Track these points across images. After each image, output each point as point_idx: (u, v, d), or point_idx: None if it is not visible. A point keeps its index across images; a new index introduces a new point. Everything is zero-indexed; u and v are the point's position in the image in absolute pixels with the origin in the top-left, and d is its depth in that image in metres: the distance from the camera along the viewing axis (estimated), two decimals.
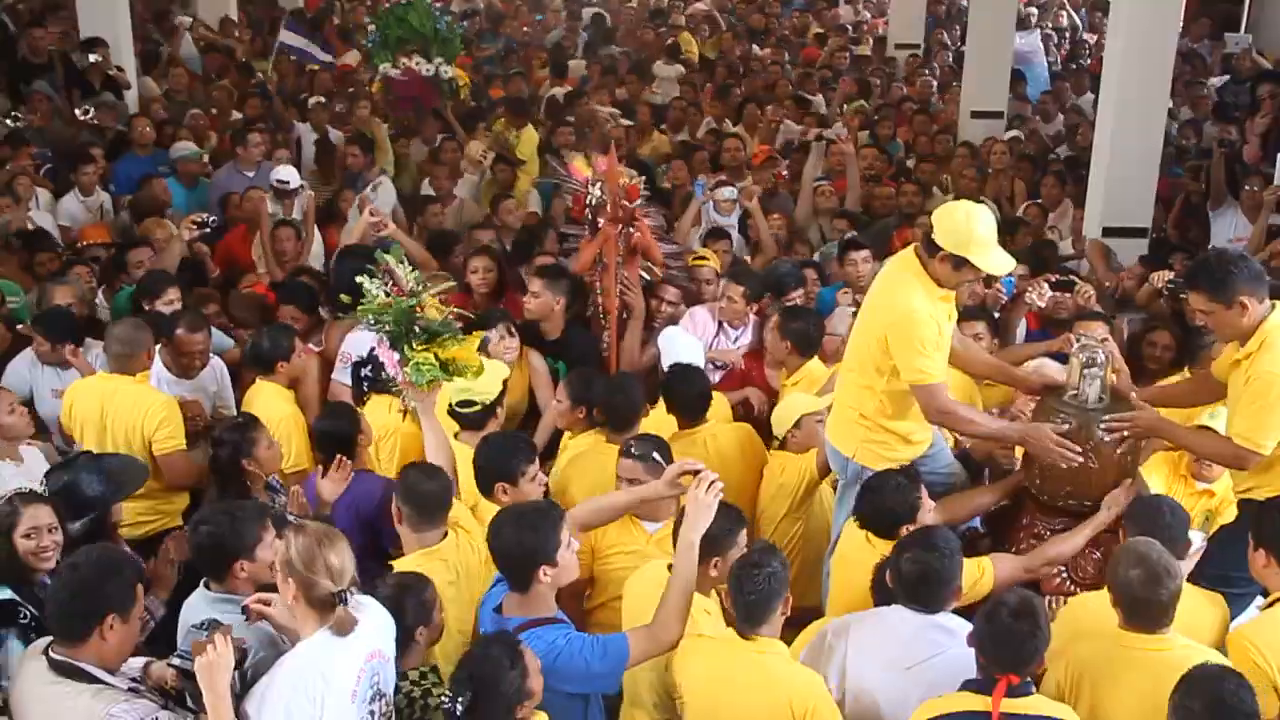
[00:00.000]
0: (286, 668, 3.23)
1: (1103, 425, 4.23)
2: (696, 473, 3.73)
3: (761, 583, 3.50)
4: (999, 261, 4.32)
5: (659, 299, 6.28)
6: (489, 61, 13.48)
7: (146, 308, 5.94)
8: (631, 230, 5.99)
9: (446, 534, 4.10)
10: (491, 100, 11.21)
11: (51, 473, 4.38)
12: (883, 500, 4.20)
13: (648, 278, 6.22)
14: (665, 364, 5.55)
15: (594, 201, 5.98)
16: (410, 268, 4.36)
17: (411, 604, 3.61)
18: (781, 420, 5.15)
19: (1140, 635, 3.55)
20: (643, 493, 4.00)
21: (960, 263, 4.24)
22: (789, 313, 5.77)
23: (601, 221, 5.96)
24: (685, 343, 5.67)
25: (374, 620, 3.36)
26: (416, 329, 4.22)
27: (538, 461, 4.41)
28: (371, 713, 3.29)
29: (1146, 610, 3.54)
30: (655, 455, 4.30)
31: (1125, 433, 4.25)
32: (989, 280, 5.82)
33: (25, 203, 7.62)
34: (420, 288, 4.27)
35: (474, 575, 4.06)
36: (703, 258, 6.70)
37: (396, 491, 4.15)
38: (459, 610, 3.96)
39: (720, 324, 6.14)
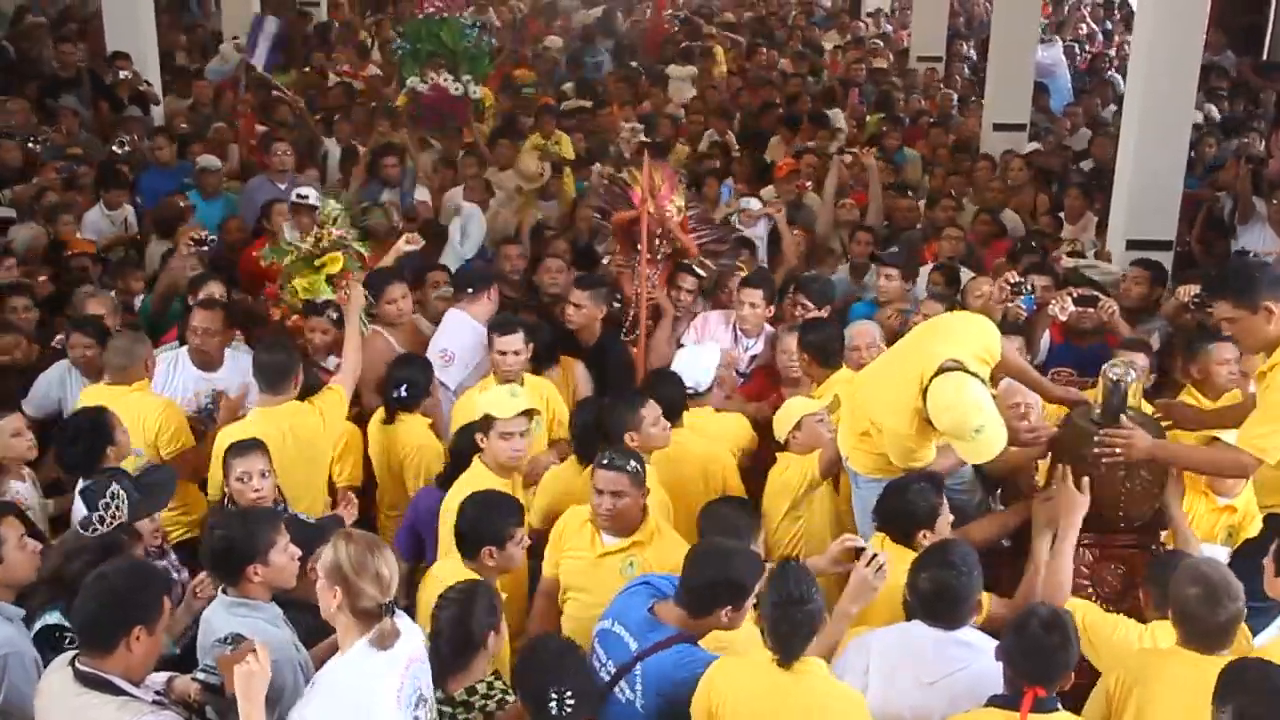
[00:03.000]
0: (328, 683, 3.24)
1: (1095, 439, 4.17)
2: (860, 550, 3.82)
3: (802, 621, 3.41)
4: (970, 453, 4.16)
5: (677, 288, 6.36)
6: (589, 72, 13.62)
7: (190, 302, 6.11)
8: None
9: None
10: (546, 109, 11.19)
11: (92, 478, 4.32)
12: (901, 502, 4.18)
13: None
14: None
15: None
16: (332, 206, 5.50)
17: (481, 608, 3.60)
18: (782, 423, 5.15)
19: (1197, 654, 3.49)
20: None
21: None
22: (807, 326, 5.77)
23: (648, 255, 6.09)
24: (691, 361, 5.66)
25: (410, 629, 3.39)
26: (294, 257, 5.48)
27: (525, 524, 4.30)
28: (416, 718, 3.29)
29: (1204, 630, 3.49)
30: (634, 464, 4.34)
31: (1118, 453, 4.14)
32: (1014, 293, 5.81)
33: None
34: (330, 244, 5.42)
35: (309, 439, 4.99)
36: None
37: (254, 366, 5.18)
38: (300, 473, 4.93)
39: (735, 332, 6.16)
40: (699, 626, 3.71)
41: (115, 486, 4.04)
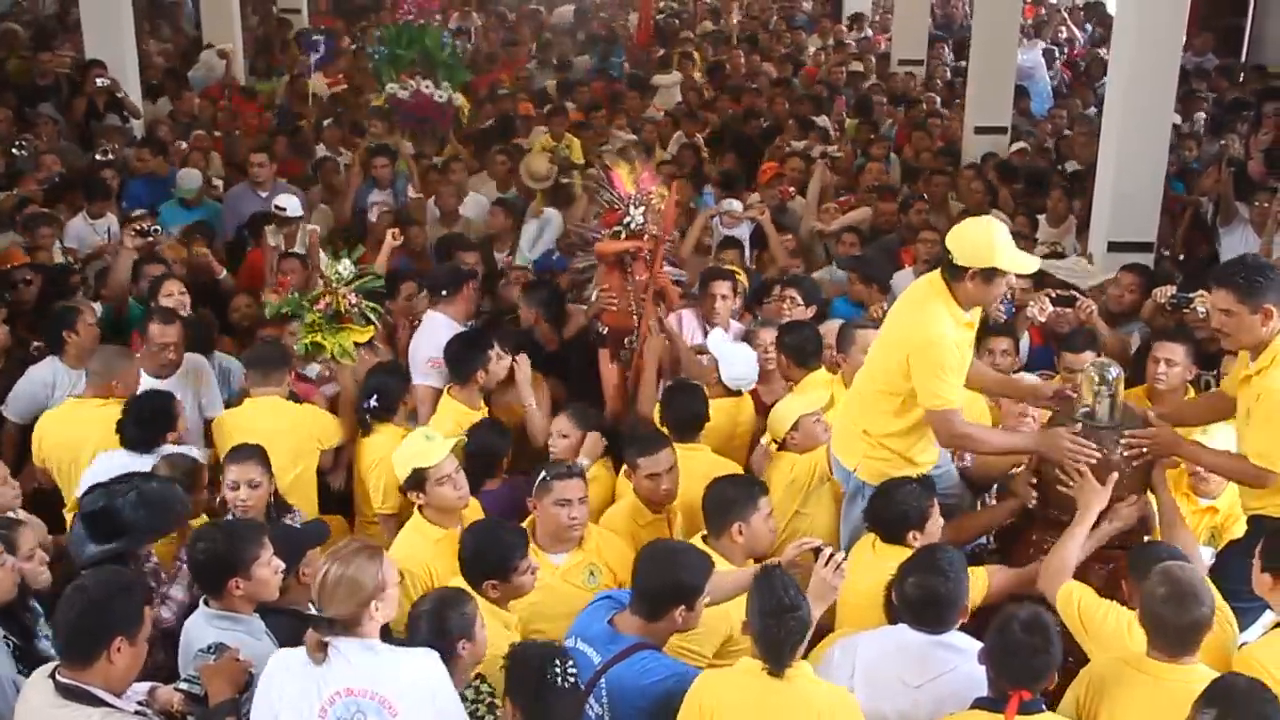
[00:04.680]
0: (273, 658, 3.30)
1: (1122, 442, 4.20)
2: (818, 551, 3.81)
3: (794, 629, 3.38)
4: (1024, 260, 4.34)
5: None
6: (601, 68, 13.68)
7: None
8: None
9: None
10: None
11: (86, 494, 4.25)
12: (892, 503, 4.21)
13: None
14: (723, 371, 5.59)
15: (632, 225, 5.97)
16: (343, 267, 5.64)
17: (454, 617, 3.57)
18: (779, 423, 5.15)
19: (1162, 663, 3.47)
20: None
21: (990, 274, 4.22)
22: (785, 327, 5.78)
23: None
24: (737, 353, 5.67)
25: (386, 666, 3.23)
26: (316, 317, 5.58)
27: (531, 554, 4.13)
28: None
29: (1171, 634, 3.46)
30: (578, 465, 4.48)
31: (1145, 450, 4.20)
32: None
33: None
34: (332, 287, 5.60)
35: (287, 428, 5.20)
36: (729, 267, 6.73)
37: (245, 359, 5.62)
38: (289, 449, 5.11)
39: (704, 328, 6.15)
40: (656, 631, 3.71)
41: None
